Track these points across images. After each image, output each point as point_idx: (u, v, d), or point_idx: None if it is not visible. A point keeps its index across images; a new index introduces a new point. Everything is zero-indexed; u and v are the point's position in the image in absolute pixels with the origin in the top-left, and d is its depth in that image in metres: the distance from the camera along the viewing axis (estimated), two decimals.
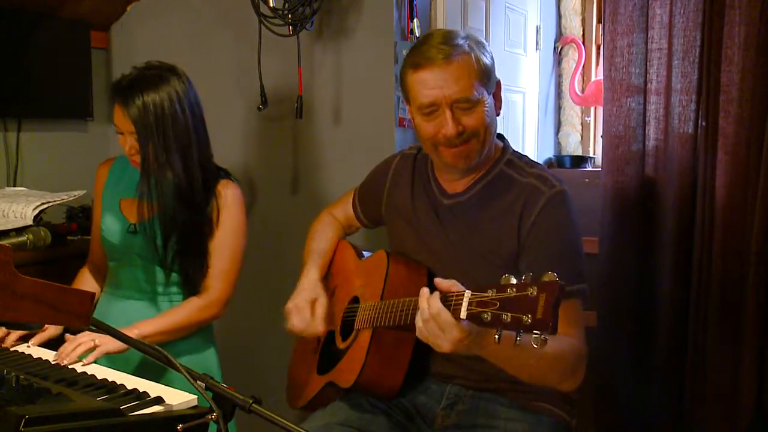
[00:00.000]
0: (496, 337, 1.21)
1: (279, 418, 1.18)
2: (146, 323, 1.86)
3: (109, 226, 1.99)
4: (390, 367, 1.64)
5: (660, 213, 2.47)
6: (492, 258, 1.62)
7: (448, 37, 1.59)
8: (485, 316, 1.21)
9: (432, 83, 1.55)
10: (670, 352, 2.45)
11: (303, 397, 1.87)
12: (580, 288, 1.56)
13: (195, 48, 2.81)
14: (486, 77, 1.58)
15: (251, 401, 1.19)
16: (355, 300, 1.79)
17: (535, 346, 1.15)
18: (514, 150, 1.72)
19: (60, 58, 2.80)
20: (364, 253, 1.94)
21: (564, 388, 1.57)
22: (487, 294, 1.22)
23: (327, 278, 1.94)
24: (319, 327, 1.77)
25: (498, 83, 1.64)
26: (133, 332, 1.79)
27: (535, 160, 1.73)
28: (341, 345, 1.78)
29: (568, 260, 1.57)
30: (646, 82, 2.48)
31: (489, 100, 1.60)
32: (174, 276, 1.97)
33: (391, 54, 2.41)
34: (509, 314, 1.17)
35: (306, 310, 1.77)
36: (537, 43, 3.30)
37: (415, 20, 2.41)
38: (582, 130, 3.45)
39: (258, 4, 2.40)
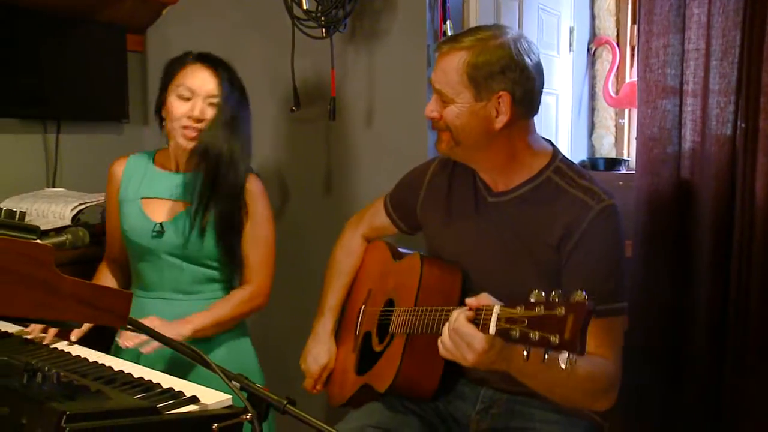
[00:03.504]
0: (525, 353, 1.20)
1: (313, 420, 1.18)
2: (199, 316, 1.92)
3: (134, 226, 1.99)
4: (424, 372, 1.64)
5: (696, 217, 2.43)
6: (528, 260, 1.61)
7: (470, 32, 1.61)
8: (513, 333, 1.21)
9: (435, 67, 1.63)
10: (706, 360, 2.40)
11: (341, 396, 1.89)
12: (619, 306, 1.55)
13: (229, 50, 2.82)
14: (474, 82, 1.56)
15: (286, 402, 1.20)
16: (391, 302, 1.80)
17: (563, 366, 1.14)
18: (563, 157, 1.69)
19: (97, 61, 2.85)
20: (401, 251, 1.94)
21: (594, 408, 1.57)
22: (515, 311, 1.22)
23: (352, 289, 2.01)
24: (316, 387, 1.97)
25: (500, 96, 1.56)
26: (187, 327, 1.86)
27: (584, 170, 1.70)
28: (377, 348, 1.79)
29: (609, 278, 1.55)
30: (682, 84, 2.44)
31: (471, 104, 1.57)
32: (206, 272, 1.99)
33: (424, 56, 2.41)
34: (537, 333, 1.17)
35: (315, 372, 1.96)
36: (570, 45, 3.27)
37: (448, 22, 2.40)
38: (616, 132, 3.41)
39: (291, 7, 2.42)
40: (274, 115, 2.75)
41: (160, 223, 1.96)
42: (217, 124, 1.93)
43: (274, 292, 2.08)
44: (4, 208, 1.12)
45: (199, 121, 1.92)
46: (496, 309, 1.26)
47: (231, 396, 1.30)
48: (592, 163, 3.29)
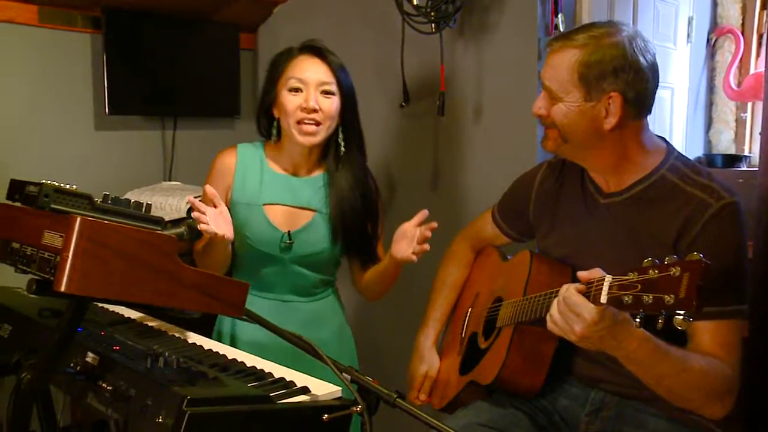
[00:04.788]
0: (637, 321, 1.18)
1: (422, 414, 1.18)
2: None
3: (259, 235, 1.90)
4: (531, 364, 1.61)
5: None
6: (642, 262, 1.54)
7: (583, 29, 1.56)
8: (626, 298, 1.18)
9: (545, 63, 1.59)
10: None
11: (444, 397, 1.88)
12: (737, 309, 1.47)
13: (339, 46, 2.85)
14: (585, 81, 1.50)
15: (396, 395, 1.20)
16: (499, 300, 1.78)
17: (679, 327, 1.12)
18: (679, 154, 1.61)
19: (212, 59, 2.95)
20: (508, 256, 1.91)
21: (706, 413, 1.47)
22: (628, 277, 1.20)
23: (460, 297, 2.00)
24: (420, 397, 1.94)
25: (610, 97, 1.49)
26: None
27: (703, 167, 1.61)
28: (483, 345, 1.77)
29: (727, 279, 1.47)
30: None
31: (580, 104, 1.51)
32: (327, 278, 2.01)
33: (534, 50, 2.36)
34: (651, 295, 1.14)
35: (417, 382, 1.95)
36: (689, 36, 3.13)
37: (559, 15, 2.34)
38: (736, 127, 3.24)
39: (401, 3, 2.42)
40: (384, 110, 2.76)
41: (288, 233, 1.90)
42: (335, 115, 1.86)
43: None
44: (132, 200, 1.17)
45: (313, 111, 1.82)
46: (608, 279, 1.23)
47: (341, 387, 1.32)
48: (709, 159, 3.14)
